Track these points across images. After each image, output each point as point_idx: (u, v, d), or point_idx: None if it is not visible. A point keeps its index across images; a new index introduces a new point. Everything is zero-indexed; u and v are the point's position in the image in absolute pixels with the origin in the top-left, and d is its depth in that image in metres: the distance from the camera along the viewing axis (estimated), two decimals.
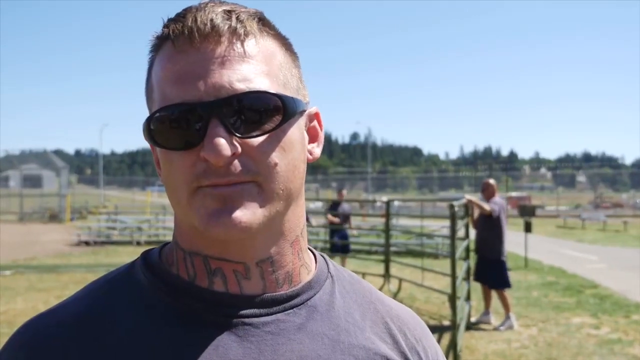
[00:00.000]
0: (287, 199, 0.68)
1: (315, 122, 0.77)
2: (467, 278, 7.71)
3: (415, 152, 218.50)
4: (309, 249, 0.78)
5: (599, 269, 13.04)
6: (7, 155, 41.00)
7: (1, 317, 7.95)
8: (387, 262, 10.00)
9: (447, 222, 8.23)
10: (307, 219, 10.84)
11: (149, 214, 23.88)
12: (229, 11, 0.66)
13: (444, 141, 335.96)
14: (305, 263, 0.75)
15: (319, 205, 30.88)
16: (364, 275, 10.12)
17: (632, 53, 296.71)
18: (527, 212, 14.41)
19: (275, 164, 0.65)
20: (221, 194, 0.63)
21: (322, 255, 0.81)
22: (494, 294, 7.99)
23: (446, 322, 7.55)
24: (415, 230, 13.11)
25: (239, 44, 0.65)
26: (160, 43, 0.68)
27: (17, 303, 9.05)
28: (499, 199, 8.17)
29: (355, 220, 19.07)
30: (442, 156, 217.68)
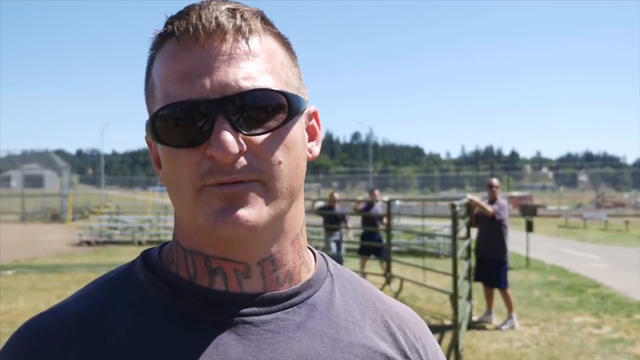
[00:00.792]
0: (290, 197, 0.68)
1: (314, 121, 0.77)
2: (468, 277, 7.70)
3: (417, 151, 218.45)
4: (308, 247, 0.79)
5: (601, 269, 13.03)
6: (8, 155, 41.01)
7: (3, 317, 7.97)
8: (388, 262, 10.00)
9: (448, 222, 8.23)
10: (345, 219, 10.73)
11: (150, 214, 23.91)
12: (233, 9, 0.66)
13: (446, 141, 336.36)
14: (305, 261, 0.75)
15: (320, 204, 30.92)
16: (365, 274, 10.13)
17: (633, 53, 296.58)
18: (528, 211, 14.40)
19: (280, 162, 0.65)
20: (227, 193, 0.63)
21: (321, 254, 0.81)
22: (496, 294, 7.99)
23: (448, 322, 7.55)
24: (416, 230, 13.12)
25: (243, 42, 0.65)
26: (162, 41, 0.68)
27: (18, 303, 9.06)
28: (503, 200, 8.15)
29: (356, 220, 19.08)
30: (443, 156, 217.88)
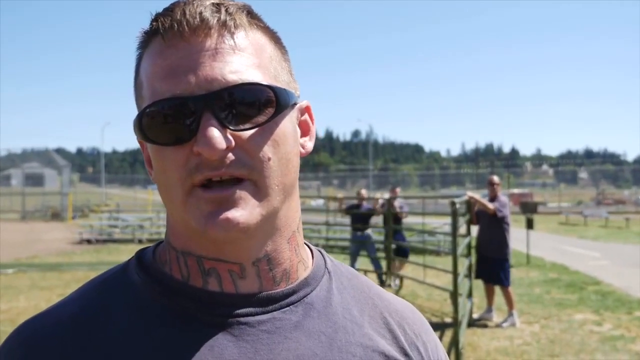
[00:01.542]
0: (283, 194, 0.67)
1: (306, 116, 0.76)
2: (468, 275, 7.70)
3: (417, 149, 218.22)
4: (305, 244, 0.78)
5: (601, 266, 13.03)
6: (9, 153, 41.16)
7: (4, 316, 7.97)
8: (388, 260, 10.00)
9: (448, 219, 8.22)
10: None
11: (150, 212, 23.96)
12: (218, 4, 0.66)
13: (446, 138, 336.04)
14: (302, 259, 0.74)
15: (320, 202, 30.91)
16: (365, 272, 10.12)
17: (633, 50, 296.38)
18: (529, 209, 14.40)
19: (269, 158, 0.64)
20: (216, 197, 0.62)
21: (319, 251, 0.80)
22: (497, 291, 7.99)
23: (448, 319, 7.55)
24: (416, 228, 13.10)
25: (229, 37, 0.65)
26: (148, 39, 0.67)
27: (19, 301, 9.07)
28: (504, 197, 8.14)
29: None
30: (443, 153, 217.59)
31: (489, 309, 7.91)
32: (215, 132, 0.61)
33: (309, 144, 0.75)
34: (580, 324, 7.58)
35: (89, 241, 19.00)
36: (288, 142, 0.68)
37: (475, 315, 7.90)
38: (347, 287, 0.77)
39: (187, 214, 0.64)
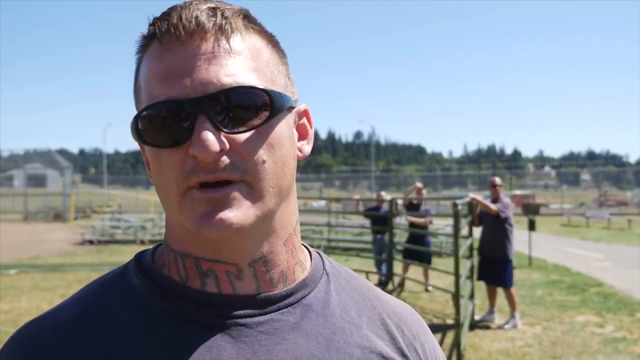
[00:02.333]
0: (278, 197, 0.68)
1: (304, 120, 0.76)
2: (470, 276, 7.70)
3: (419, 150, 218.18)
4: (304, 245, 0.78)
5: (604, 267, 13.01)
6: (11, 154, 41.21)
7: (5, 316, 7.98)
8: (390, 261, 9.99)
9: (450, 221, 8.22)
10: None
11: (152, 213, 23.99)
12: (214, 8, 0.66)
13: (448, 139, 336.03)
14: (299, 261, 0.74)
15: (322, 203, 30.92)
16: (367, 274, 10.12)
17: (635, 51, 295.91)
18: (531, 210, 14.36)
19: (264, 161, 0.65)
20: (210, 197, 0.63)
21: (317, 252, 0.80)
22: (499, 293, 7.98)
23: (450, 321, 7.54)
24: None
25: (224, 41, 0.65)
26: (146, 43, 0.68)
27: (21, 302, 9.08)
28: (507, 199, 8.13)
29: (359, 219, 19.07)
30: (445, 154, 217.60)
31: (491, 311, 7.90)
32: (209, 135, 0.61)
33: (307, 148, 0.76)
34: (582, 326, 7.56)
35: (91, 242, 19.04)
36: (284, 145, 0.68)
37: (477, 317, 7.89)
38: (345, 289, 0.77)
39: (182, 214, 0.64)
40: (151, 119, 0.64)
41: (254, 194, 0.64)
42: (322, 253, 0.81)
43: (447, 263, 10.85)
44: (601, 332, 7.28)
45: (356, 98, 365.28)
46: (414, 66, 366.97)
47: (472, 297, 7.71)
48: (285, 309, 0.70)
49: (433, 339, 0.82)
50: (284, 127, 0.69)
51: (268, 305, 0.69)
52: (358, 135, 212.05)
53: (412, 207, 10.41)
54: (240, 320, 0.67)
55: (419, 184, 10.84)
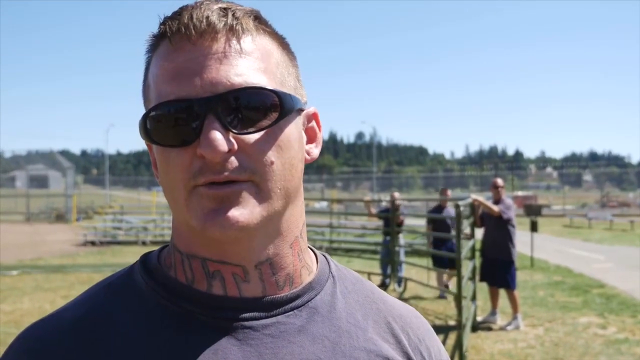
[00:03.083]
0: (285, 199, 0.67)
1: (313, 123, 0.76)
2: (472, 278, 7.68)
3: (421, 151, 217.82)
4: (310, 248, 0.78)
5: (606, 269, 12.98)
6: (13, 155, 41.22)
7: (8, 317, 7.99)
8: (392, 262, 9.98)
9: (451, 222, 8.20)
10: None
11: (154, 214, 23.96)
12: (225, 9, 0.66)
13: (450, 140, 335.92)
14: (306, 264, 0.74)
15: (324, 204, 30.88)
16: (369, 275, 10.11)
17: (638, 52, 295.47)
18: (533, 211, 14.34)
19: (272, 162, 0.65)
20: (217, 194, 0.62)
21: (323, 255, 0.80)
22: (501, 294, 7.96)
23: (452, 322, 7.54)
24: (420, 230, 13.07)
25: (235, 41, 0.65)
26: (156, 42, 0.68)
27: (23, 303, 9.09)
28: (509, 200, 8.13)
29: (361, 220, 19.07)
30: (447, 155, 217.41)
31: (493, 312, 7.89)
32: (217, 135, 0.61)
33: (315, 151, 0.75)
34: (584, 327, 7.55)
35: (93, 243, 19.05)
36: (292, 147, 0.68)
37: (479, 318, 7.88)
38: (351, 292, 0.77)
39: (189, 212, 0.64)
40: (159, 118, 0.64)
41: (261, 194, 0.64)
42: (328, 256, 0.81)
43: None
44: (603, 333, 7.26)
45: (358, 99, 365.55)
46: (415, 67, 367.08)
47: (474, 298, 7.70)
48: (292, 312, 0.70)
49: (438, 343, 0.82)
50: (293, 129, 0.69)
51: (274, 308, 0.69)
52: (360, 136, 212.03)
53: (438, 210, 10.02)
54: (246, 323, 0.67)
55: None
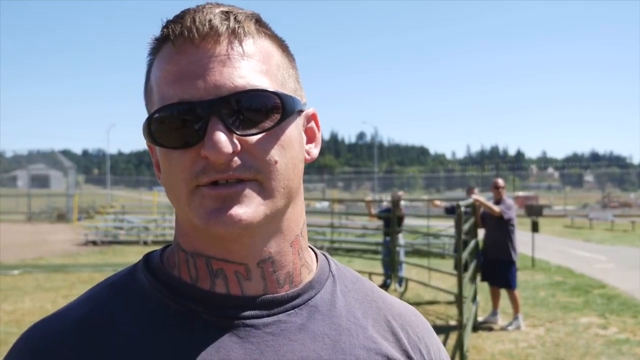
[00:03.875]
0: (287, 197, 0.69)
1: (312, 123, 0.77)
2: (473, 278, 7.68)
3: (422, 151, 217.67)
4: (310, 247, 0.79)
5: (607, 269, 12.98)
6: (15, 155, 41.22)
7: (9, 317, 8.00)
8: (393, 262, 9.98)
9: (453, 222, 8.21)
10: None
11: (155, 214, 23.97)
12: (227, 12, 0.67)
13: (451, 141, 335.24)
14: (306, 263, 0.75)
15: (325, 205, 30.88)
16: (370, 275, 10.12)
17: (639, 52, 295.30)
18: (534, 211, 14.34)
19: (276, 162, 0.66)
20: (220, 194, 0.63)
21: (323, 254, 0.81)
22: (503, 294, 7.96)
23: (453, 322, 7.54)
24: (421, 230, 13.08)
25: (237, 44, 0.66)
26: (159, 45, 0.69)
27: (25, 302, 9.10)
28: (510, 200, 8.13)
29: (362, 220, 19.06)
30: (448, 156, 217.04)
31: (494, 312, 7.90)
32: (222, 137, 0.62)
33: (314, 151, 0.77)
34: (585, 327, 7.55)
35: (94, 243, 19.06)
36: (294, 148, 0.69)
37: (480, 318, 7.89)
38: (351, 291, 0.78)
39: (191, 210, 0.65)
40: (163, 120, 0.65)
41: (264, 192, 0.65)
42: (327, 255, 0.82)
43: (450, 264, 10.84)
44: (604, 333, 7.26)
45: (359, 99, 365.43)
46: (416, 67, 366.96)
47: (475, 298, 7.70)
48: (292, 311, 0.71)
49: (438, 341, 0.83)
50: (294, 130, 0.70)
51: (275, 306, 0.70)
52: (361, 136, 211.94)
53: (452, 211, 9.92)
54: (247, 321, 0.68)
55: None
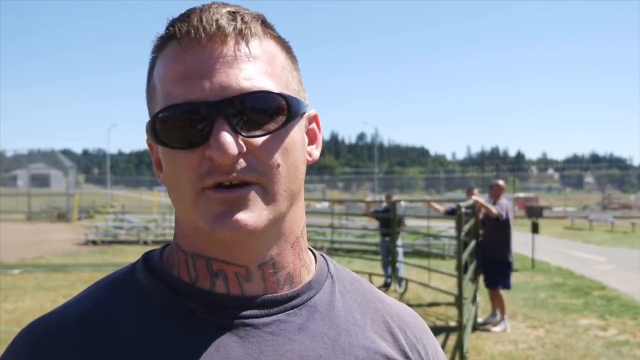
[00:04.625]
0: (290, 200, 0.69)
1: (314, 125, 0.77)
2: (473, 279, 7.68)
3: (422, 152, 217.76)
4: (309, 248, 0.79)
5: (607, 270, 12.98)
6: (15, 154, 41.27)
7: (9, 316, 8.00)
8: (393, 263, 9.98)
9: (453, 223, 8.21)
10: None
11: (155, 214, 23.97)
12: (234, 12, 0.67)
13: (451, 142, 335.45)
14: (305, 263, 0.75)
15: (325, 205, 30.89)
16: (370, 275, 10.11)
17: (639, 53, 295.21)
18: (534, 213, 14.35)
19: (278, 165, 0.66)
20: (226, 197, 0.63)
21: (322, 255, 0.81)
22: (503, 295, 7.96)
23: (453, 323, 7.53)
24: (421, 231, 13.07)
25: (244, 45, 0.66)
26: (163, 43, 0.69)
27: (25, 302, 9.10)
28: (505, 200, 8.14)
29: (362, 221, 19.05)
30: (449, 157, 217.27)
31: (494, 313, 7.89)
32: (227, 138, 0.62)
33: (316, 152, 0.77)
34: (585, 329, 7.55)
35: (94, 242, 19.05)
36: (297, 150, 0.69)
37: (479, 319, 7.88)
38: (349, 291, 0.78)
39: (197, 214, 0.65)
40: (168, 120, 0.65)
41: (267, 197, 0.65)
42: (326, 256, 0.82)
43: (450, 265, 10.84)
44: (604, 335, 7.26)
45: (359, 100, 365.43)
46: (417, 68, 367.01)
47: (474, 299, 7.70)
48: (292, 310, 0.71)
49: (435, 342, 0.83)
50: (297, 132, 0.70)
51: (275, 306, 0.70)
52: (361, 136, 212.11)
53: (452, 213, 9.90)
54: (247, 321, 0.68)
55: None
